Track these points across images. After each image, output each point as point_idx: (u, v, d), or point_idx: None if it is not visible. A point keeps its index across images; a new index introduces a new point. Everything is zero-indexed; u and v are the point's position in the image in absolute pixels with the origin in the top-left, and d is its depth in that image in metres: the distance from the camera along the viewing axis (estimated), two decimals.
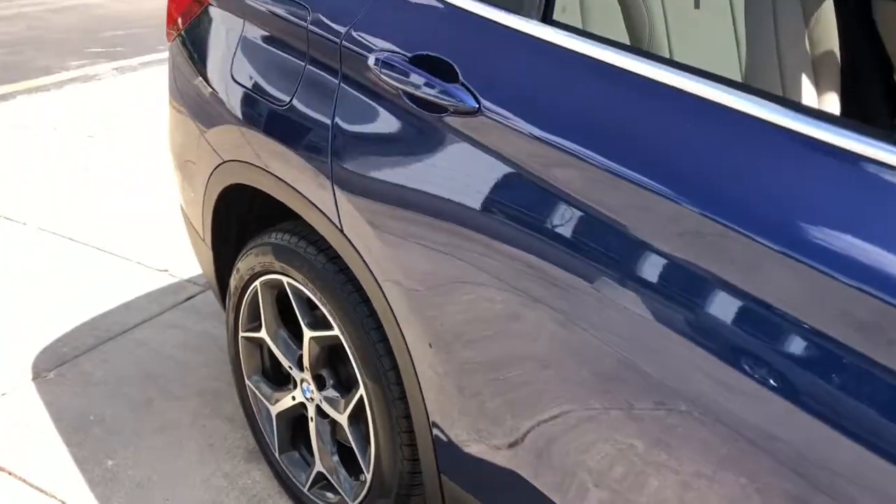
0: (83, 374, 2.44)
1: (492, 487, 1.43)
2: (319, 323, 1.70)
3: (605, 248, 1.09)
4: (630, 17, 1.81)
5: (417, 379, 1.46)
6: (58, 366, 2.48)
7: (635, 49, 1.19)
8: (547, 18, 1.22)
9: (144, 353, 2.54)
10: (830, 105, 1.95)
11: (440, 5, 1.35)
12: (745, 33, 2.00)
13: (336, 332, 1.63)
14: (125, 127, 4.47)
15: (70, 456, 2.12)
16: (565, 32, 1.20)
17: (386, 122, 1.39)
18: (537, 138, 1.17)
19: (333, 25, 1.48)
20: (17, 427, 2.22)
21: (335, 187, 1.47)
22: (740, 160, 1.00)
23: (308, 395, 1.82)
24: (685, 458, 1.04)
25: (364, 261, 1.46)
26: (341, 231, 1.49)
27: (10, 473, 2.05)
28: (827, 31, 2.01)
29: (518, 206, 1.19)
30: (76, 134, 4.42)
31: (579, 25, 1.71)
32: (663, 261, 1.02)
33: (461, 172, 1.27)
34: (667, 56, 1.87)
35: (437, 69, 1.29)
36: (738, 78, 1.99)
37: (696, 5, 1.93)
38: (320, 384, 1.78)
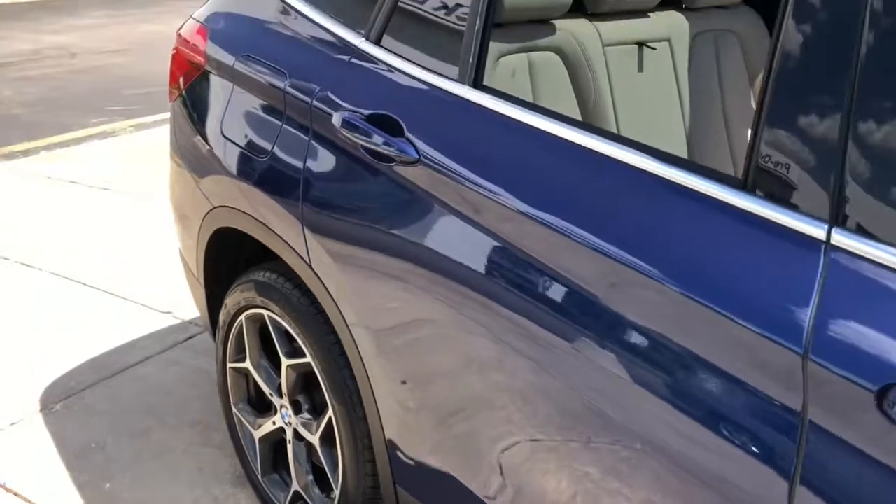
0: (87, 406, 2.63)
1: (440, 497, 1.59)
2: (295, 352, 1.89)
3: (523, 281, 1.28)
4: (577, 79, 2.03)
5: (375, 401, 1.64)
6: (64, 398, 2.67)
7: (543, 109, 1.38)
8: (477, 84, 1.43)
9: (144, 388, 2.73)
10: None
11: (391, 72, 1.57)
12: (688, 92, 2.21)
13: (308, 359, 1.82)
14: (139, 179, 4.73)
15: (71, 479, 2.30)
16: (491, 96, 1.41)
17: (347, 171, 1.60)
18: (465, 185, 1.37)
19: (306, 89, 1.70)
20: (25, 452, 2.40)
21: (305, 228, 1.67)
22: (630, 207, 1.19)
23: (286, 420, 2.00)
24: (616, 484, 1.21)
25: (329, 293, 1.66)
26: (311, 267, 1.69)
27: (15, 494, 2.23)
28: None
29: (451, 245, 1.39)
30: (92, 186, 4.68)
31: (528, 88, 1.94)
32: (575, 293, 1.21)
33: (406, 214, 1.47)
34: (612, 115, 2.09)
35: (388, 126, 1.50)
36: (682, 134, 2.19)
37: (640, 69, 2.15)
38: (297, 409, 1.96)
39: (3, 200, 4.46)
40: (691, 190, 1.11)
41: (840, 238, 0.96)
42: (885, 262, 0.93)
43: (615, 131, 2.08)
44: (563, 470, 1.28)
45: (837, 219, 0.97)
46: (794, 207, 1.01)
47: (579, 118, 2.07)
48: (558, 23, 2.01)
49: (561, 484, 1.30)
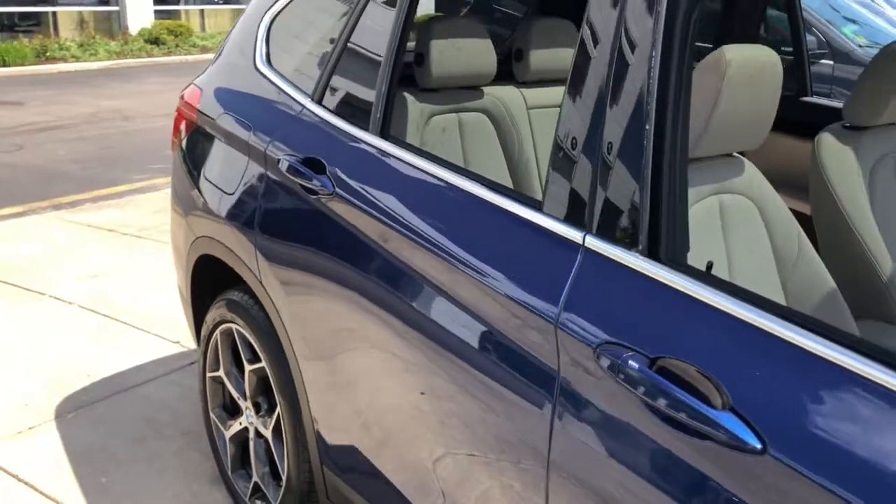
0: (96, 416, 3.01)
1: (355, 474, 1.91)
2: (255, 358, 2.24)
3: (413, 294, 1.61)
4: (503, 137, 2.39)
5: (308, 399, 1.98)
6: (76, 409, 3.05)
7: (430, 155, 1.73)
8: (384, 134, 1.80)
9: (147, 403, 3.10)
10: None
11: (324, 125, 1.95)
12: None
13: (263, 363, 2.17)
14: (168, 229, 5.19)
15: (74, 473, 2.66)
16: (393, 145, 1.78)
17: (288, 205, 1.98)
18: (369, 213, 1.73)
19: (262, 138, 2.10)
20: (39, 451, 2.78)
21: (258, 253, 2.04)
22: (477, 228, 1.53)
23: (249, 420, 2.34)
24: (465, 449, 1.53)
25: (274, 306, 2.02)
26: (262, 284, 2.06)
27: (26, 483, 2.60)
28: None
29: (363, 265, 1.74)
30: (126, 233, 5.16)
31: (458, 143, 2.31)
32: (454, 307, 1.53)
33: (328, 238, 1.83)
34: (535, 168, 2.44)
35: (315, 165, 1.88)
36: None
37: None
38: (257, 410, 2.30)
39: (45, 243, 4.96)
40: (511, 212, 1.46)
41: (591, 241, 1.30)
42: (618, 259, 1.26)
43: (539, 182, 2.44)
44: (438, 443, 1.59)
45: (590, 229, 1.30)
46: (565, 221, 1.35)
47: (506, 171, 2.43)
48: (487, 89, 2.39)
49: (435, 453, 1.61)
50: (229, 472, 2.48)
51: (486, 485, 1.46)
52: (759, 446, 1.01)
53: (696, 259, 1.30)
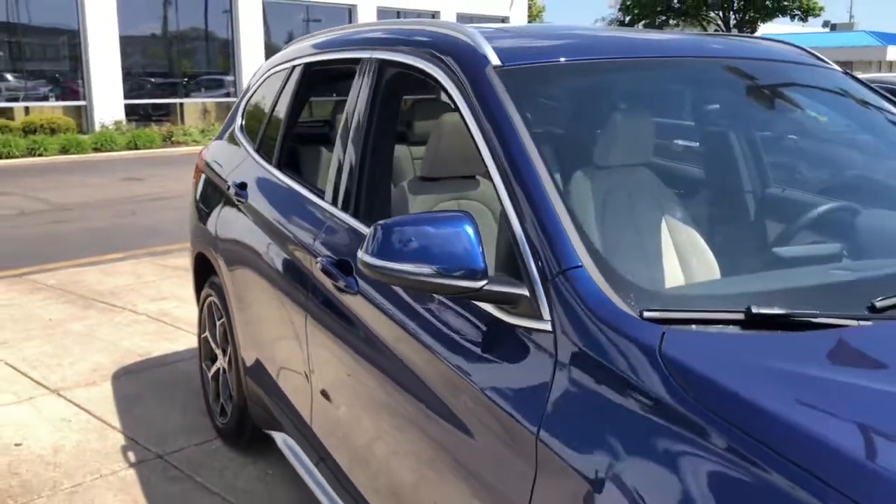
0: (140, 378, 4.29)
1: (259, 378, 3.07)
2: (221, 317, 3.46)
3: (295, 276, 2.79)
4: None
5: (240, 343, 3.18)
6: (127, 374, 4.35)
7: (305, 182, 2.92)
8: (279, 165, 3.02)
9: (175, 372, 4.36)
10: None
11: (252, 161, 3.21)
12: None
13: (224, 319, 3.39)
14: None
15: (116, 408, 3.93)
16: (281, 172, 2.99)
17: (230, 214, 3.22)
18: (265, 218, 2.94)
19: (226, 178, 3.38)
20: (99, 395, 4.07)
21: (217, 250, 3.30)
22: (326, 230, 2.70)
23: (220, 363, 3.55)
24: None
25: (225, 283, 3.25)
26: (218, 271, 3.30)
27: (85, 410, 3.89)
28: None
29: (269, 257, 2.93)
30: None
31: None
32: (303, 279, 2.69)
33: (248, 235, 3.04)
34: None
35: (243, 185, 3.13)
36: None
37: None
38: (224, 354, 3.51)
39: (134, 278, 6.42)
40: (324, 209, 2.63)
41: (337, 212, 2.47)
42: (344, 219, 2.41)
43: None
44: (304, 359, 2.73)
45: (339, 206, 2.48)
46: (348, 210, 2.53)
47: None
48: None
49: (302, 366, 2.74)
50: (210, 402, 3.68)
51: (333, 376, 2.52)
52: (355, 289, 2.13)
53: None
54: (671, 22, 36.14)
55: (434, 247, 1.63)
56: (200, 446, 3.54)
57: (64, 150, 15.68)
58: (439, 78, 2.10)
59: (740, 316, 1.47)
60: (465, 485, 1.66)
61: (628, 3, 33.86)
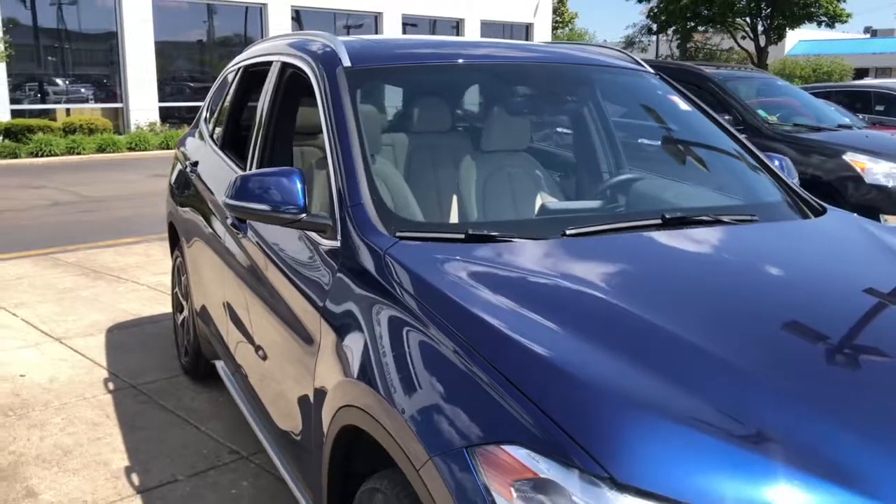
0: (129, 332, 5.09)
1: (203, 316, 3.82)
2: (184, 273, 4.23)
3: (217, 241, 3.54)
4: None
5: (192, 293, 3.94)
6: (120, 329, 5.15)
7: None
8: (223, 147, 3.77)
9: (160, 328, 5.15)
10: None
11: (204, 142, 3.97)
12: None
13: (186, 275, 4.16)
14: None
15: (106, 352, 4.72)
16: (222, 152, 3.74)
17: (186, 187, 3.99)
18: (205, 187, 3.69)
19: (188, 155, 4.15)
20: (93, 343, 4.87)
21: (177, 220, 4.07)
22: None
23: (185, 313, 4.32)
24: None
25: (182, 244, 4.02)
26: (180, 237, 4.07)
27: (83, 355, 4.69)
28: None
29: (202, 220, 3.69)
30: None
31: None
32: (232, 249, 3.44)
33: (192, 201, 3.81)
34: None
35: (196, 164, 3.89)
36: None
37: None
38: (187, 304, 4.28)
39: (143, 257, 7.25)
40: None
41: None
42: None
43: None
44: (229, 299, 3.48)
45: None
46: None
47: None
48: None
49: (230, 304, 3.49)
50: (178, 346, 4.46)
51: (236, 301, 3.26)
52: (245, 232, 2.88)
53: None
54: (700, 28, 36.43)
55: (272, 191, 2.35)
56: (168, 379, 4.31)
57: (100, 149, 16.74)
58: (310, 75, 2.83)
59: (460, 235, 2.18)
60: (298, 347, 2.37)
61: (655, 10, 34.24)
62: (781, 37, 33.22)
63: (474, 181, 2.74)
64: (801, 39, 46.58)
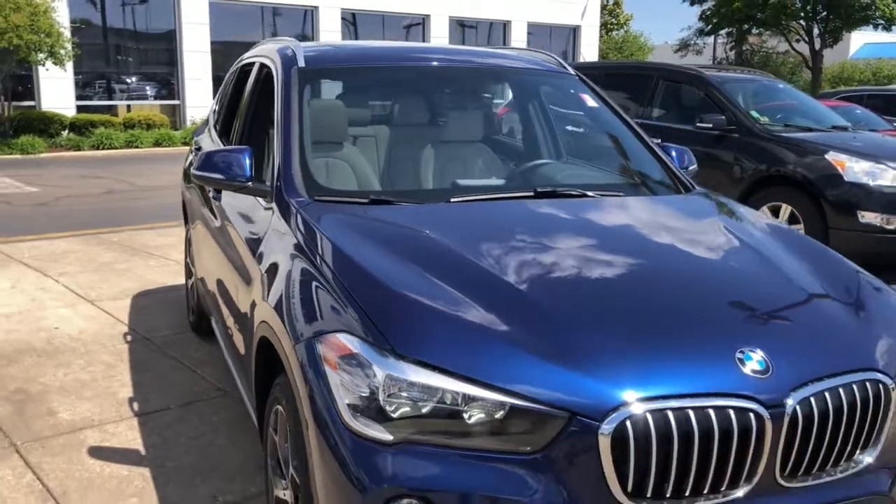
0: (152, 297, 5.83)
1: (201, 281, 4.51)
2: (191, 244, 4.94)
3: (213, 225, 4.22)
4: None
5: (196, 263, 4.63)
6: (144, 295, 5.90)
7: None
8: (220, 134, 4.45)
9: (179, 293, 5.88)
10: None
11: (210, 129, 4.66)
12: None
13: (191, 248, 4.86)
14: None
15: (130, 313, 5.47)
16: (219, 137, 4.42)
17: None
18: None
19: (197, 141, 4.85)
20: (121, 305, 5.62)
21: (185, 198, 4.77)
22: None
23: (193, 278, 5.02)
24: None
25: (189, 225, 4.71)
26: (187, 217, 4.77)
27: (110, 314, 5.44)
28: None
29: (206, 209, 4.37)
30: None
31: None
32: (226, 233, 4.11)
33: (192, 190, 4.50)
34: None
35: (199, 147, 4.59)
36: None
37: None
38: (194, 270, 4.98)
39: (179, 238, 8.03)
40: None
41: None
42: None
43: None
44: (216, 270, 4.15)
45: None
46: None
47: None
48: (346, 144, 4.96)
49: (217, 271, 4.16)
50: (188, 307, 5.17)
51: (216, 261, 3.93)
52: (220, 201, 3.54)
53: None
54: (754, 31, 36.22)
55: (226, 164, 3.00)
56: (177, 334, 5.03)
57: (157, 143, 17.81)
58: (274, 73, 3.47)
59: (364, 200, 2.80)
60: (245, 288, 3.01)
61: (708, 13, 34.18)
62: (837, 40, 32.82)
63: (399, 161, 3.37)
64: (865, 42, 45.75)
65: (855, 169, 7.15)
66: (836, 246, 7.12)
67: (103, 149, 17.05)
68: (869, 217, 7.01)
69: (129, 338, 4.96)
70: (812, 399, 1.96)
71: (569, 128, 3.97)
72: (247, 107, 3.83)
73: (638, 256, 2.48)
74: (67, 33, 16.57)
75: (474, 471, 1.88)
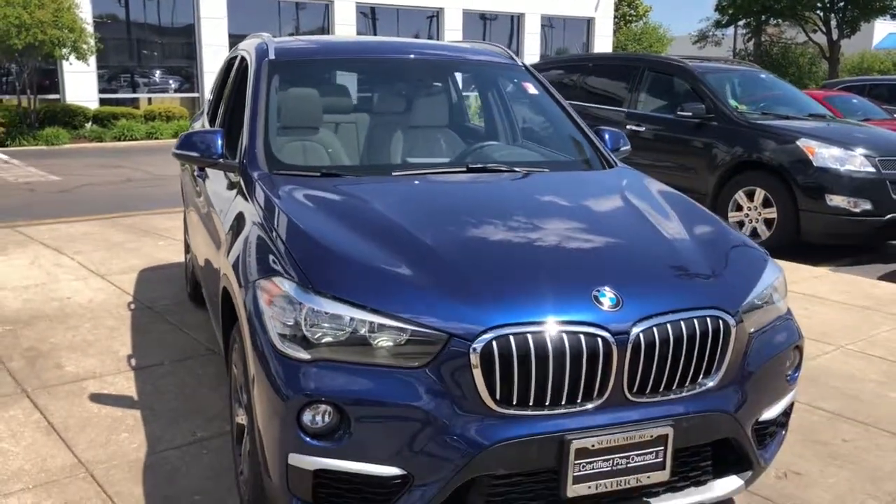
0: (156, 272, 6.34)
1: (192, 254, 5.00)
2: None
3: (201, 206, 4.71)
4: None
5: (191, 242, 5.13)
6: (149, 269, 6.41)
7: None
8: (211, 120, 4.93)
9: (180, 268, 6.40)
10: None
11: (203, 115, 5.14)
12: None
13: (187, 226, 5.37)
14: None
15: (136, 285, 5.99)
16: (209, 123, 4.90)
17: None
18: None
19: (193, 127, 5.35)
20: (127, 278, 6.15)
21: (184, 195, 5.26)
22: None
23: (190, 253, 5.52)
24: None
25: (185, 207, 5.21)
26: (184, 199, 5.27)
27: (115, 285, 5.97)
28: None
29: (195, 191, 4.86)
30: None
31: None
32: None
33: (186, 176, 4.99)
34: None
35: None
36: None
37: None
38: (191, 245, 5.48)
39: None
40: None
41: None
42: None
43: None
44: (205, 246, 4.64)
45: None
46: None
47: None
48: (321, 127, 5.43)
49: (205, 248, 4.64)
50: (186, 279, 5.67)
51: (202, 233, 4.41)
52: (204, 178, 4.02)
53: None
54: (772, 22, 36.23)
55: (201, 143, 3.48)
56: (176, 303, 5.54)
57: (176, 135, 18.39)
58: (249, 64, 3.94)
59: (316, 174, 3.27)
60: (216, 250, 3.49)
61: (724, 3, 34.26)
62: (855, 30, 32.78)
63: (354, 142, 3.84)
64: (890, 32, 45.46)
65: (824, 155, 7.51)
66: (805, 228, 7.53)
67: (124, 140, 17.69)
68: (837, 200, 7.37)
69: (132, 306, 5.47)
70: (655, 329, 2.39)
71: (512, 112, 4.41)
72: (229, 95, 4.30)
73: (533, 217, 2.92)
74: (90, 29, 17.20)
75: (375, 382, 2.33)
